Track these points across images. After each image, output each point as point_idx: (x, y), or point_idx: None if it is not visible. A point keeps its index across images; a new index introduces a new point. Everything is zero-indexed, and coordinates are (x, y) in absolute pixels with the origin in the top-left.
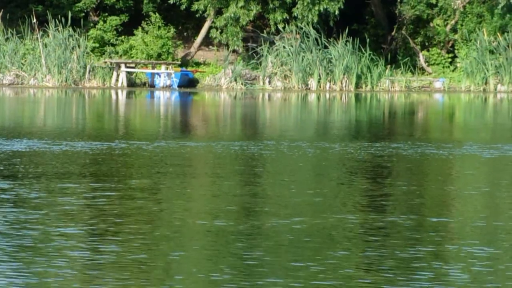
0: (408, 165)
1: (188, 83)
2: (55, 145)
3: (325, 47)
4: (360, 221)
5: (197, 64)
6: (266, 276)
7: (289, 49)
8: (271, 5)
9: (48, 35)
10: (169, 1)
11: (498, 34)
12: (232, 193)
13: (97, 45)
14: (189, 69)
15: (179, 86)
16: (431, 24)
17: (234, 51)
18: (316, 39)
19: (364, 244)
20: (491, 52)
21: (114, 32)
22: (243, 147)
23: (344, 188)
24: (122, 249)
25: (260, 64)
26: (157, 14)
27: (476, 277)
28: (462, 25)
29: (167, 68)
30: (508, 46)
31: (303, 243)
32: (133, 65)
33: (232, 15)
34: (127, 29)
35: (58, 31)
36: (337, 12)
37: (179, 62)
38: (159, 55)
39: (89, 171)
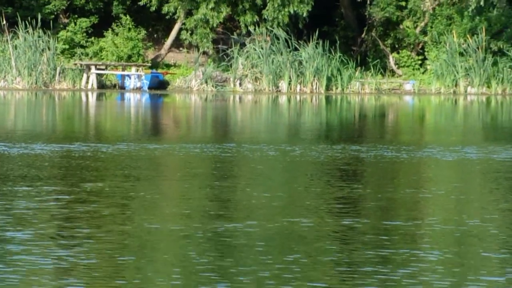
0: (368, 168)
1: (159, 85)
2: (15, 148)
3: (296, 49)
4: (314, 224)
5: (168, 66)
6: (214, 281)
7: (260, 51)
8: (241, 7)
9: (18, 37)
10: (139, 3)
11: (468, 36)
12: (188, 196)
13: (67, 47)
14: (159, 71)
15: (150, 88)
16: (401, 26)
17: (204, 53)
18: (287, 41)
19: (316, 248)
20: (461, 54)
21: (84, 34)
22: (208, 149)
23: (302, 192)
24: (70, 253)
25: (231, 66)
26: (127, 16)
27: (423, 282)
28: (432, 27)
29: (137, 70)
30: (478, 48)
31: (255, 247)
32: (103, 67)
33: (202, 16)
34: (97, 31)
35: (28, 33)
36: (305, 15)
37: (150, 64)
38: (129, 57)
39: (44, 174)
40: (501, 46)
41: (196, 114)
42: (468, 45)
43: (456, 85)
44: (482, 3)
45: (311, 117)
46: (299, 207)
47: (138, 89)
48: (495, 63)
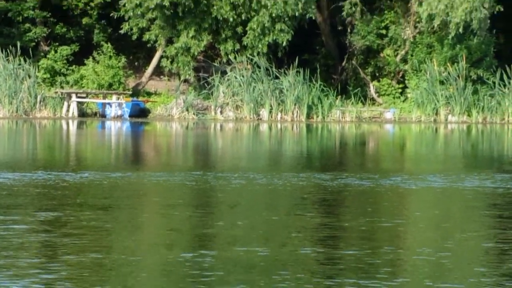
0: (339, 196)
1: (140, 113)
2: None
3: (276, 77)
4: (266, 253)
5: (149, 94)
6: None
7: (241, 79)
8: (222, 35)
9: None
10: (120, 31)
11: (448, 64)
12: (143, 225)
13: (48, 75)
14: (140, 99)
15: (130, 116)
16: (382, 55)
17: (185, 81)
18: (267, 70)
19: (265, 278)
20: (442, 82)
21: (65, 62)
22: (184, 177)
23: (261, 220)
24: (17, 282)
25: (212, 94)
26: (108, 44)
27: None
28: (412, 56)
29: (118, 98)
30: (458, 76)
31: (201, 276)
32: (84, 95)
33: (183, 45)
34: (78, 59)
35: (8, 61)
36: (285, 43)
37: (130, 92)
38: (110, 85)
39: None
40: (481, 75)
41: (176, 142)
42: (449, 73)
43: (436, 114)
44: (461, 30)
45: (291, 146)
46: (256, 235)
47: (119, 117)
48: (475, 92)
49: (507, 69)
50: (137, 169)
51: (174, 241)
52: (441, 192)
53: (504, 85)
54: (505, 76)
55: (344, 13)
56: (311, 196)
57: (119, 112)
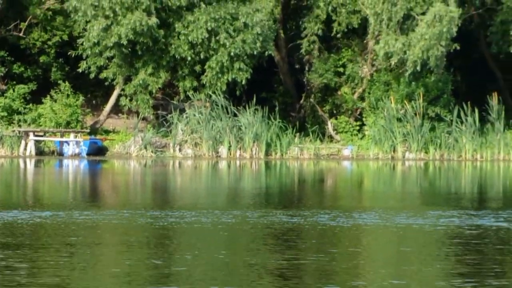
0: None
1: (97, 151)
2: None
3: (235, 115)
4: None
5: (107, 132)
6: None
7: (199, 117)
8: (180, 73)
9: None
10: (78, 69)
11: (406, 102)
12: (63, 265)
13: (5, 113)
14: (98, 137)
15: (88, 154)
16: (339, 92)
17: (143, 118)
18: (226, 107)
19: None
20: (399, 120)
21: (23, 101)
22: (135, 216)
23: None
24: None
25: (170, 132)
26: (66, 82)
27: None
28: (369, 93)
29: (76, 136)
30: (415, 114)
31: None
32: (41, 133)
33: (141, 82)
34: (35, 97)
35: None
36: (244, 82)
37: (88, 130)
38: (68, 123)
39: None
40: (439, 112)
41: (134, 180)
42: (406, 110)
43: (394, 151)
44: (418, 67)
45: (250, 183)
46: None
47: (77, 156)
48: (432, 129)
49: (464, 106)
50: (93, 208)
51: (132, 278)
52: (399, 229)
53: (461, 122)
54: (462, 114)
55: (302, 51)
56: (269, 234)
57: (77, 151)
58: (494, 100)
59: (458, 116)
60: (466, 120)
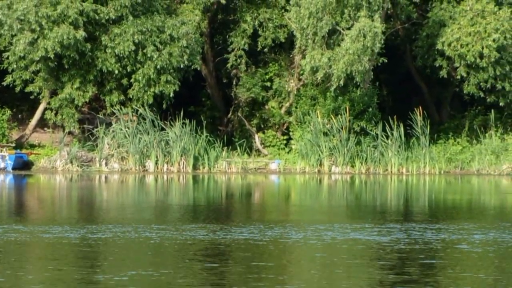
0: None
1: (23, 166)
2: None
3: (162, 129)
4: None
5: (32, 146)
6: None
7: (126, 131)
8: (107, 87)
9: None
10: (3, 83)
11: (332, 116)
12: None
13: None
14: (24, 151)
15: (14, 168)
16: (267, 107)
17: (70, 132)
18: (153, 121)
19: None
20: (325, 134)
21: None
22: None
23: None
24: None
25: (97, 146)
26: None
27: None
28: (296, 108)
29: (1, 151)
30: (341, 128)
31: None
32: None
33: (68, 96)
34: None
35: None
36: (171, 95)
37: (14, 145)
38: None
39: None
40: (364, 126)
41: (60, 195)
42: (332, 125)
43: (320, 165)
44: (341, 82)
45: (178, 197)
46: None
47: (2, 170)
48: (358, 143)
49: (390, 120)
50: (18, 223)
51: None
52: (324, 243)
53: (387, 137)
54: (388, 128)
55: (229, 66)
56: (195, 249)
57: (2, 165)
58: (419, 114)
59: (384, 130)
60: (392, 134)
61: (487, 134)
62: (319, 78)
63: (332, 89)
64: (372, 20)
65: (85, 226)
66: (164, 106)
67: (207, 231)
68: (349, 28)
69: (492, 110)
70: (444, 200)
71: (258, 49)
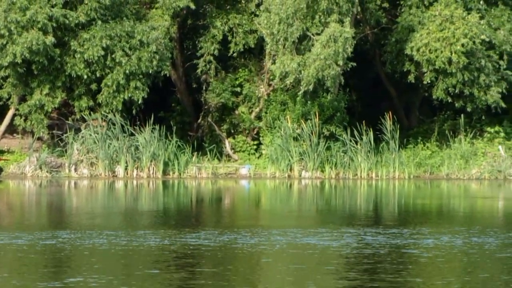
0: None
1: None
2: None
3: (132, 134)
4: None
5: (1, 152)
6: None
7: (95, 136)
8: (76, 92)
9: None
10: None
11: (302, 121)
12: None
13: None
14: None
15: None
16: (236, 112)
17: (39, 138)
18: (123, 127)
19: None
20: (295, 139)
21: None
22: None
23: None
24: None
25: (66, 152)
26: None
27: None
28: (266, 113)
29: None
30: (311, 133)
31: None
32: None
33: (37, 102)
34: None
35: None
36: (140, 101)
37: None
38: None
39: None
40: (333, 131)
41: (29, 201)
42: (302, 130)
43: (290, 170)
44: (311, 87)
45: (148, 202)
46: None
47: None
48: (328, 148)
49: (359, 125)
50: None
51: None
52: (294, 248)
53: (357, 142)
54: (357, 132)
55: (199, 71)
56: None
57: None
58: (388, 119)
59: (353, 135)
60: (361, 139)
61: (456, 139)
62: (289, 83)
63: (300, 93)
64: (342, 25)
65: (35, 232)
66: (134, 111)
67: (161, 237)
68: (319, 34)
69: (462, 115)
70: (413, 204)
71: (229, 54)
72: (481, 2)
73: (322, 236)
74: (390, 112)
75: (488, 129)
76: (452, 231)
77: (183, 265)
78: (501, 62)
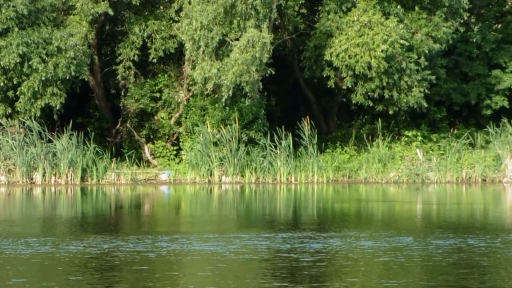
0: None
1: None
2: None
3: (50, 140)
4: None
5: None
6: None
7: (13, 143)
8: None
9: None
10: None
11: (221, 126)
12: None
13: None
14: None
15: None
16: (156, 117)
17: None
18: (40, 133)
19: None
20: (215, 144)
21: None
22: None
23: None
24: None
25: None
26: None
27: None
28: (186, 118)
29: None
30: (231, 138)
31: None
32: None
33: None
34: None
35: None
36: (58, 107)
37: None
38: None
39: None
40: (253, 136)
41: None
42: (222, 135)
43: (211, 175)
44: (230, 92)
45: (65, 209)
46: None
47: None
48: (248, 153)
49: (278, 130)
50: None
51: None
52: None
53: (276, 146)
54: (276, 138)
55: (118, 77)
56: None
57: None
58: (306, 124)
59: (273, 140)
60: (281, 143)
61: (374, 143)
62: (209, 89)
63: (223, 100)
64: (260, 31)
65: None
66: (55, 117)
67: (95, 243)
68: (237, 39)
69: (380, 119)
70: (331, 208)
71: (150, 60)
72: (399, 7)
73: (274, 240)
74: (308, 117)
75: (406, 132)
76: (346, 235)
77: (102, 271)
78: (421, 60)
